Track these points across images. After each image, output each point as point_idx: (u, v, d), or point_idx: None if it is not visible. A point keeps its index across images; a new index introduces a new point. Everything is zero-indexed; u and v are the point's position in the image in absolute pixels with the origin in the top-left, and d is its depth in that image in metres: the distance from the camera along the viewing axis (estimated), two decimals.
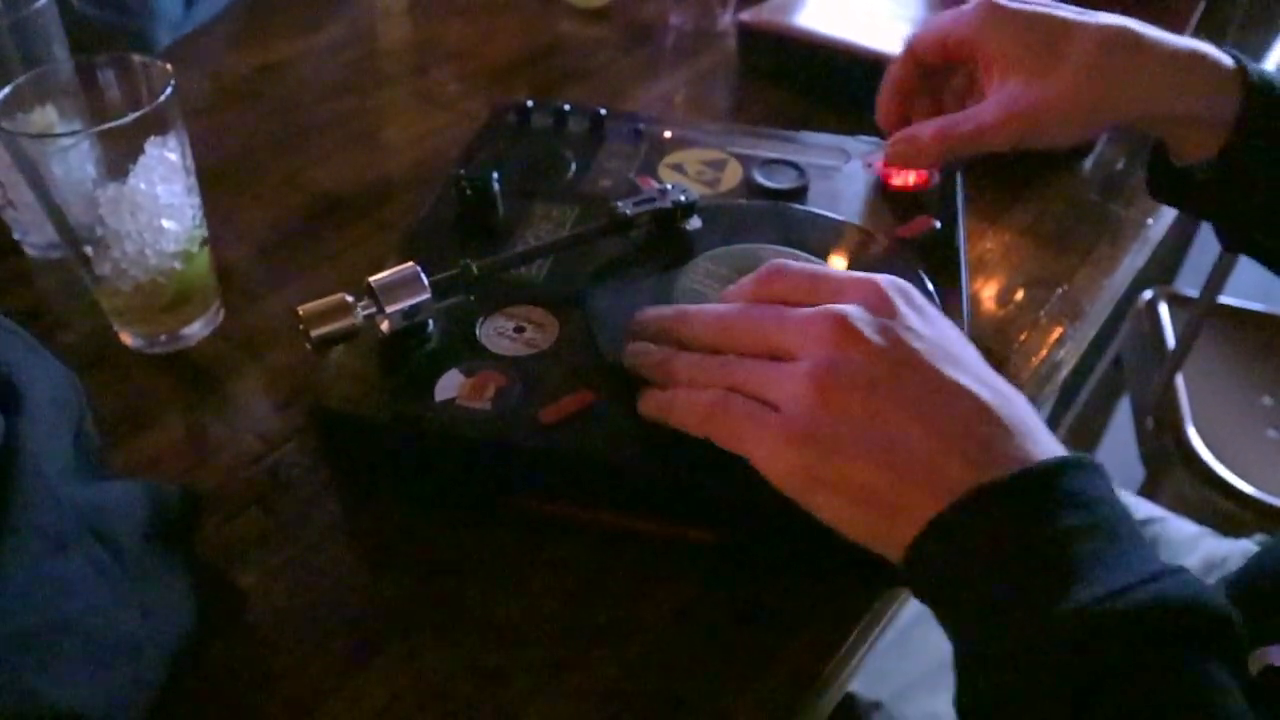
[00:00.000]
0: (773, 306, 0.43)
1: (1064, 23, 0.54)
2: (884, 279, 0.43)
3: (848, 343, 0.40)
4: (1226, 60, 0.54)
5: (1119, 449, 1.31)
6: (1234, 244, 0.62)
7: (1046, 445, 0.38)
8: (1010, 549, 0.35)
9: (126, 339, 0.58)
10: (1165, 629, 0.32)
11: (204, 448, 0.53)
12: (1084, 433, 1.44)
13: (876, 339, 0.40)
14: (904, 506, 0.37)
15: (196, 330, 0.59)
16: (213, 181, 0.57)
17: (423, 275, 0.47)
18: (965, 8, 0.57)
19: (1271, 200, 0.56)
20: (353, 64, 0.89)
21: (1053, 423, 1.59)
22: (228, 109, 0.82)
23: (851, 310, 0.41)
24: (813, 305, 0.42)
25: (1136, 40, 0.54)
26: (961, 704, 0.36)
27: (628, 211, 0.53)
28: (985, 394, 0.39)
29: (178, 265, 0.56)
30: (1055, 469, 0.36)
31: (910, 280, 0.44)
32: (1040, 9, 0.55)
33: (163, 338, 0.58)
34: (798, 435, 0.38)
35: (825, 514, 0.39)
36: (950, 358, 0.40)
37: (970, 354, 0.42)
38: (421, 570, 0.47)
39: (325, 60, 0.89)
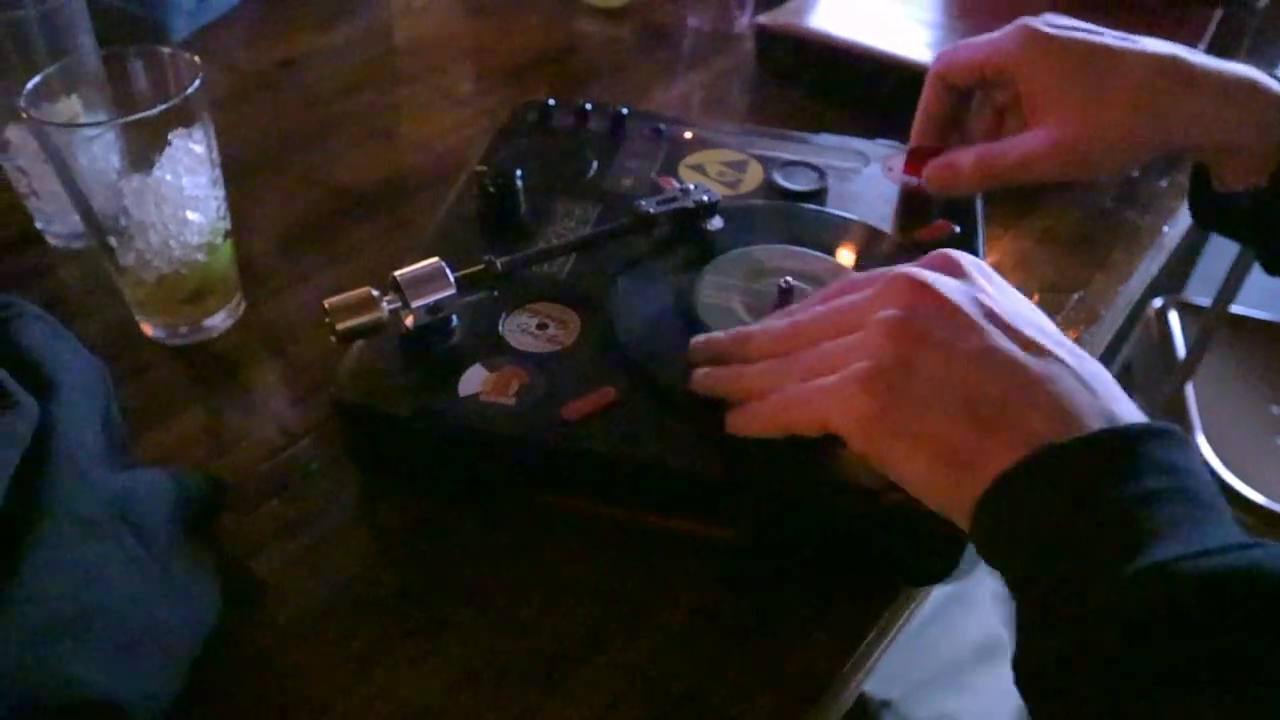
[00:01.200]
0: (839, 299, 0.43)
1: (1110, 51, 0.54)
2: (955, 252, 0.42)
3: (923, 296, 0.39)
4: (1276, 86, 0.54)
5: None
6: (1274, 265, 0.61)
7: (1130, 412, 0.37)
8: (1087, 506, 0.33)
9: (148, 330, 0.59)
10: (1251, 597, 0.30)
11: (224, 439, 0.53)
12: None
13: (953, 294, 0.39)
14: (980, 460, 0.35)
15: (218, 322, 0.59)
16: (232, 174, 0.58)
17: (448, 270, 0.47)
18: (1002, 34, 0.56)
19: None
20: (371, 60, 0.90)
21: None
22: (246, 102, 0.82)
23: (923, 271, 0.40)
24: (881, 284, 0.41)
25: (1188, 70, 0.54)
26: (1023, 668, 0.34)
27: (651, 210, 0.54)
28: (1067, 355, 0.38)
29: (201, 257, 0.56)
30: (1140, 433, 0.35)
31: None
32: (1083, 36, 0.55)
33: (184, 329, 0.58)
34: (873, 383, 0.37)
35: (898, 467, 0.38)
36: (1028, 320, 0.39)
37: (1048, 322, 0.41)
38: (441, 564, 0.47)
39: (344, 56, 0.90)
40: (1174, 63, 0.53)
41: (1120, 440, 0.35)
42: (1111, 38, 0.55)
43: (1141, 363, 1.30)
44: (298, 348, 0.59)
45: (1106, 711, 0.31)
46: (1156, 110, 0.53)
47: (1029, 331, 0.38)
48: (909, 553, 0.45)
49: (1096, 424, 0.35)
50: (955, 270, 0.41)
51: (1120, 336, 1.41)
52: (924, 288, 0.39)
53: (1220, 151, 0.56)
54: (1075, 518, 0.34)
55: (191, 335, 0.58)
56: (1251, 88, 0.53)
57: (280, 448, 0.53)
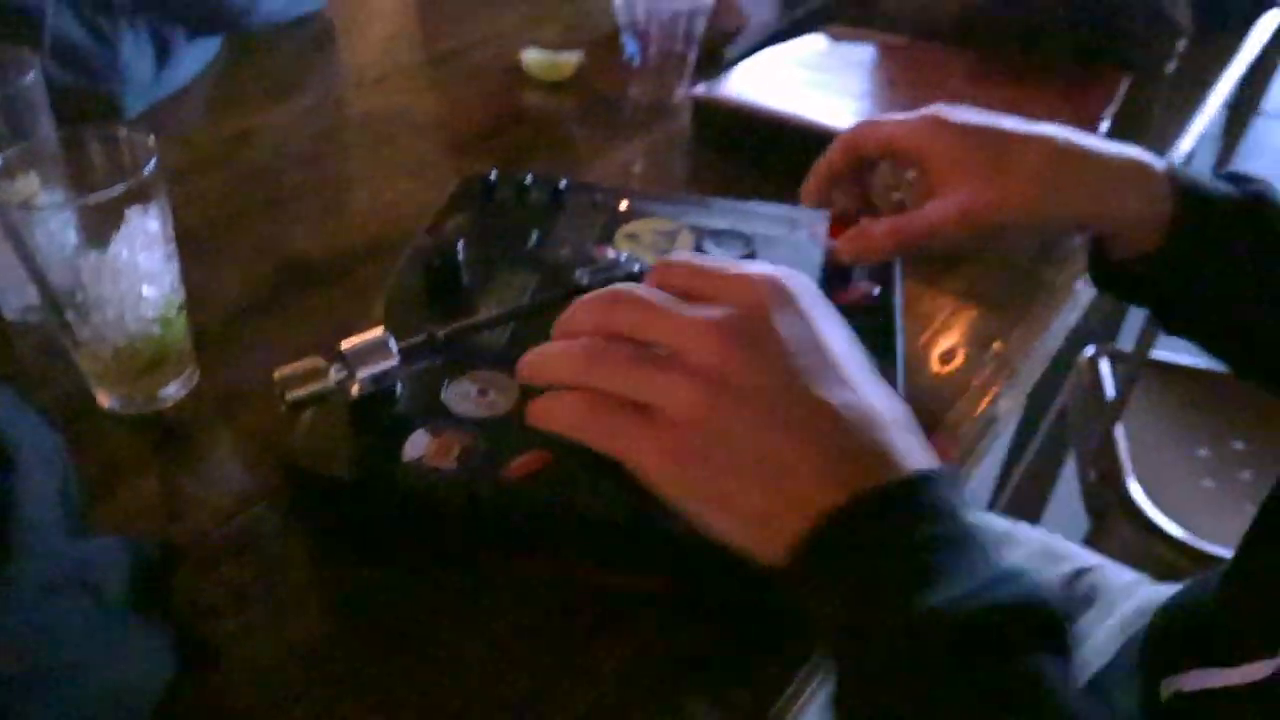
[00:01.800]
0: (660, 295, 0.43)
1: (1008, 135, 0.59)
2: (770, 280, 0.43)
3: (734, 357, 0.40)
4: (1159, 165, 0.59)
5: (1068, 500, 1.35)
6: (1172, 329, 0.66)
7: (918, 454, 0.40)
8: (869, 559, 0.38)
9: (103, 400, 0.61)
10: (1000, 629, 0.36)
11: (178, 505, 0.55)
12: (1034, 485, 1.48)
13: (758, 350, 0.41)
14: (780, 522, 0.39)
15: (172, 392, 0.61)
16: (186, 246, 0.60)
17: (392, 341, 0.50)
18: (913, 117, 0.61)
19: (1202, 293, 0.60)
20: (323, 133, 0.93)
21: (1003, 476, 1.64)
22: (200, 175, 0.85)
23: (734, 321, 0.41)
24: (699, 300, 0.43)
25: (1081, 152, 0.58)
26: (834, 702, 0.39)
27: (584, 280, 0.57)
28: (864, 405, 0.41)
29: (156, 330, 0.58)
30: (921, 481, 0.39)
31: None
32: (985, 123, 0.59)
33: (139, 399, 0.60)
34: (675, 446, 0.40)
35: (712, 526, 0.41)
36: (825, 372, 0.41)
37: (852, 364, 0.43)
38: (390, 624, 0.49)
39: (296, 129, 0.93)
40: (1068, 145, 0.58)
41: (901, 489, 0.39)
42: (1010, 123, 0.60)
43: (1075, 409, 1.35)
44: (250, 415, 0.61)
45: None
46: (1051, 190, 0.57)
47: (822, 390, 0.40)
48: None
49: (885, 475, 0.39)
50: (781, 300, 0.42)
51: (1052, 386, 1.47)
52: (735, 344, 0.40)
53: (1112, 225, 0.60)
54: (859, 572, 0.38)
55: (147, 405, 0.60)
56: (1138, 167, 0.58)
57: (234, 513, 0.55)
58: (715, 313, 0.41)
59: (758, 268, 0.44)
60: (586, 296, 0.45)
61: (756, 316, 0.41)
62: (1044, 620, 0.37)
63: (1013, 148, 0.57)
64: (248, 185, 0.84)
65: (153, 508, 0.55)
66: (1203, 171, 0.60)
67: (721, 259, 0.46)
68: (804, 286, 0.44)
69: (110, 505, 0.55)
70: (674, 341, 0.41)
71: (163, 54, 0.93)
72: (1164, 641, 0.53)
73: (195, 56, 0.98)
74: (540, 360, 0.44)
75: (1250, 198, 0.59)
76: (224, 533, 0.54)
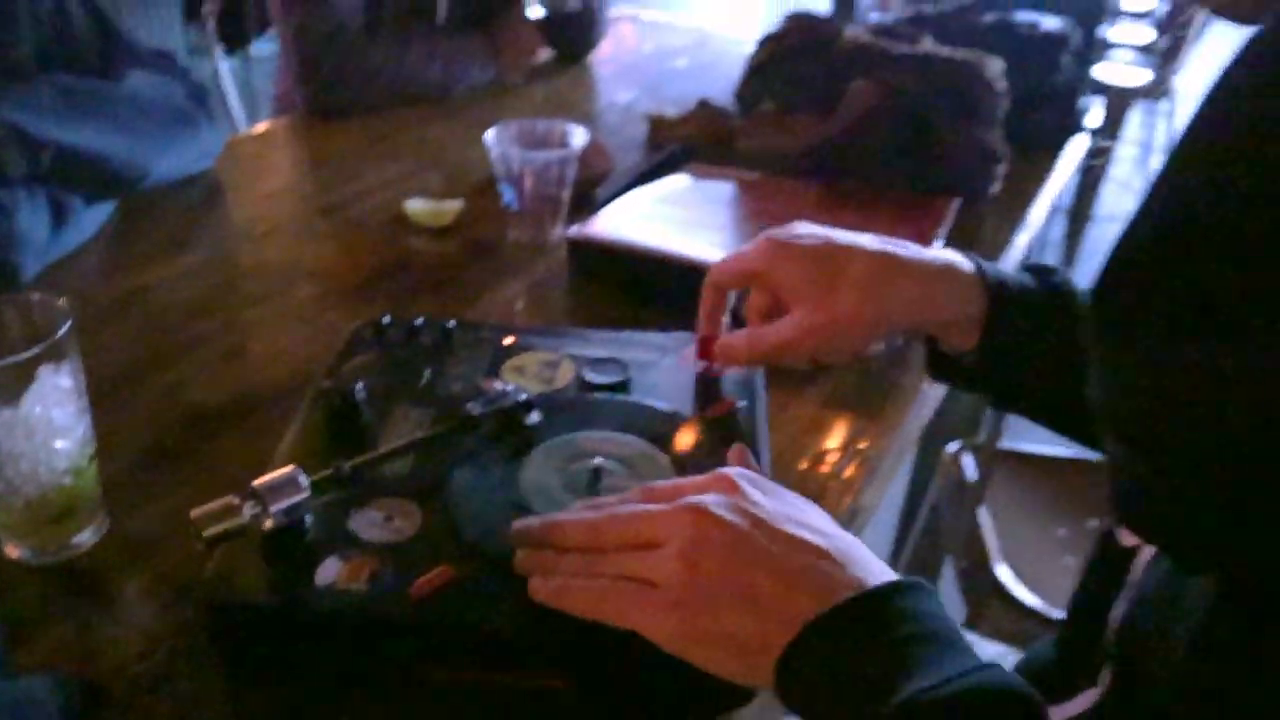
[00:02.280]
0: (639, 506, 0.53)
1: (837, 249, 0.67)
2: (732, 471, 0.53)
3: (706, 524, 0.49)
4: (969, 266, 0.68)
5: (950, 592, 1.43)
6: (1002, 408, 0.75)
7: (879, 574, 0.48)
8: (851, 658, 0.44)
9: (13, 551, 0.63)
10: (978, 711, 0.41)
11: (94, 648, 0.58)
12: (919, 578, 1.56)
13: (729, 516, 0.49)
14: (767, 642, 0.46)
15: (84, 539, 0.64)
16: (90, 397, 0.63)
17: (302, 476, 0.55)
18: (754, 245, 0.69)
19: (1022, 377, 0.69)
20: (218, 285, 0.97)
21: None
22: (99, 330, 0.88)
23: (706, 498, 0.50)
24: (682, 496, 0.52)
25: (899, 260, 0.67)
26: None
27: (476, 411, 0.63)
28: (822, 541, 0.49)
29: (68, 480, 0.61)
30: (887, 591, 0.46)
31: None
32: (816, 241, 0.67)
33: (53, 548, 0.63)
34: (674, 603, 0.48)
35: (706, 664, 0.47)
36: (791, 519, 0.50)
37: (810, 513, 0.52)
38: None
39: (190, 282, 0.97)
40: (889, 254, 0.67)
41: (868, 600, 0.46)
42: (838, 235, 0.68)
43: (945, 502, 1.45)
44: (160, 558, 0.64)
45: None
46: (878, 294, 0.65)
47: (792, 530, 0.49)
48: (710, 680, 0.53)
49: (848, 592, 0.46)
50: (730, 489, 0.52)
51: (923, 482, 1.56)
52: (706, 515, 0.50)
53: (936, 324, 0.69)
54: (844, 670, 0.44)
55: (59, 554, 0.63)
56: (950, 270, 0.67)
57: (149, 651, 0.57)
58: (694, 497, 0.51)
59: (713, 473, 0.54)
60: (568, 523, 0.54)
61: (726, 488, 0.51)
62: (1021, 705, 0.42)
63: (840, 261, 0.66)
64: (147, 338, 0.87)
65: (69, 651, 0.57)
66: (1005, 269, 0.69)
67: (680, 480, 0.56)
68: (755, 474, 0.54)
69: (27, 650, 0.57)
70: (660, 531, 0.50)
71: (59, 218, 0.96)
72: None
73: (90, 218, 1.02)
74: (548, 563, 0.53)
75: (1048, 289, 0.68)
76: (139, 671, 0.56)
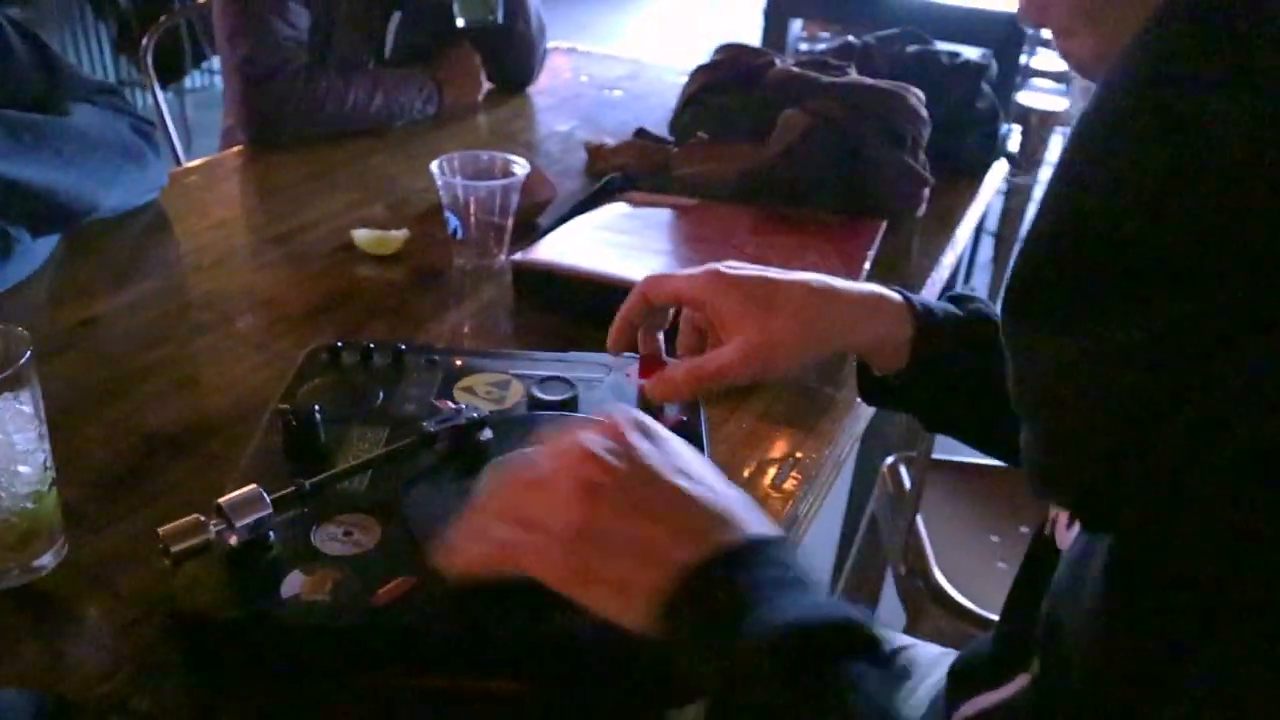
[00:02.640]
0: (536, 466, 0.56)
1: (774, 284, 0.71)
2: (621, 414, 0.56)
3: (592, 467, 0.53)
4: (897, 297, 0.73)
5: (891, 600, 1.48)
6: (931, 428, 0.80)
7: (755, 526, 0.52)
8: (720, 598, 0.48)
9: None
10: (817, 634, 0.46)
11: (61, 668, 0.59)
12: (862, 587, 1.61)
13: (615, 461, 0.53)
14: (648, 586, 0.49)
15: (45, 563, 0.65)
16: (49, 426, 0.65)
17: (264, 494, 0.57)
18: (697, 274, 0.72)
19: (947, 398, 0.74)
20: (168, 315, 0.99)
21: (833, 580, 1.77)
22: (51, 360, 0.89)
23: (593, 439, 0.54)
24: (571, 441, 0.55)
25: (832, 290, 0.72)
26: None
27: (431, 429, 0.65)
28: (704, 494, 0.53)
29: (30, 505, 0.63)
30: (756, 542, 0.50)
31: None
32: (754, 275, 0.72)
33: (15, 571, 0.64)
34: (563, 546, 0.51)
35: (593, 604, 0.51)
36: (677, 470, 0.54)
37: (696, 466, 0.55)
38: None
39: (141, 313, 0.99)
40: (821, 285, 0.71)
41: (741, 549, 0.50)
42: (774, 273, 0.72)
43: (883, 513, 1.50)
44: (120, 581, 0.66)
45: None
46: (812, 321, 0.70)
47: (676, 480, 0.53)
48: (666, 671, 0.56)
49: (725, 541, 0.50)
50: (617, 435, 0.55)
51: (863, 495, 1.61)
52: (591, 458, 0.53)
53: (866, 349, 0.74)
54: (710, 611, 0.48)
55: (22, 577, 0.64)
56: (879, 299, 0.72)
57: (113, 671, 0.59)
58: (581, 438, 0.54)
59: (603, 416, 0.57)
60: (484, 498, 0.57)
61: (614, 435, 0.55)
62: (861, 635, 0.47)
63: (778, 295, 0.70)
64: (99, 368, 0.89)
65: (37, 671, 0.59)
66: (930, 299, 0.74)
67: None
68: (648, 419, 0.58)
69: None
70: (549, 468, 0.53)
71: (5, 250, 0.97)
72: (956, 683, 0.64)
73: (37, 251, 1.03)
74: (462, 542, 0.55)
75: (970, 315, 0.73)
76: (104, 690, 0.58)
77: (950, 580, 1.30)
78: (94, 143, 1.07)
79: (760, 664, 0.46)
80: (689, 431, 0.72)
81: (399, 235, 1.12)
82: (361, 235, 1.12)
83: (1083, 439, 0.40)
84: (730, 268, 0.72)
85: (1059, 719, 0.48)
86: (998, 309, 0.45)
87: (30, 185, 0.98)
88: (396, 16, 1.60)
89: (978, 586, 1.30)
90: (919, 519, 1.39)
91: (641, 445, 0.55)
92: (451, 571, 0.54)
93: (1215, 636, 0.36)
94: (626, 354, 0.80)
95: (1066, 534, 0.56)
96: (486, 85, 1.76)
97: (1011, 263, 0.44)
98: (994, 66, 1.51)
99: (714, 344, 0.73)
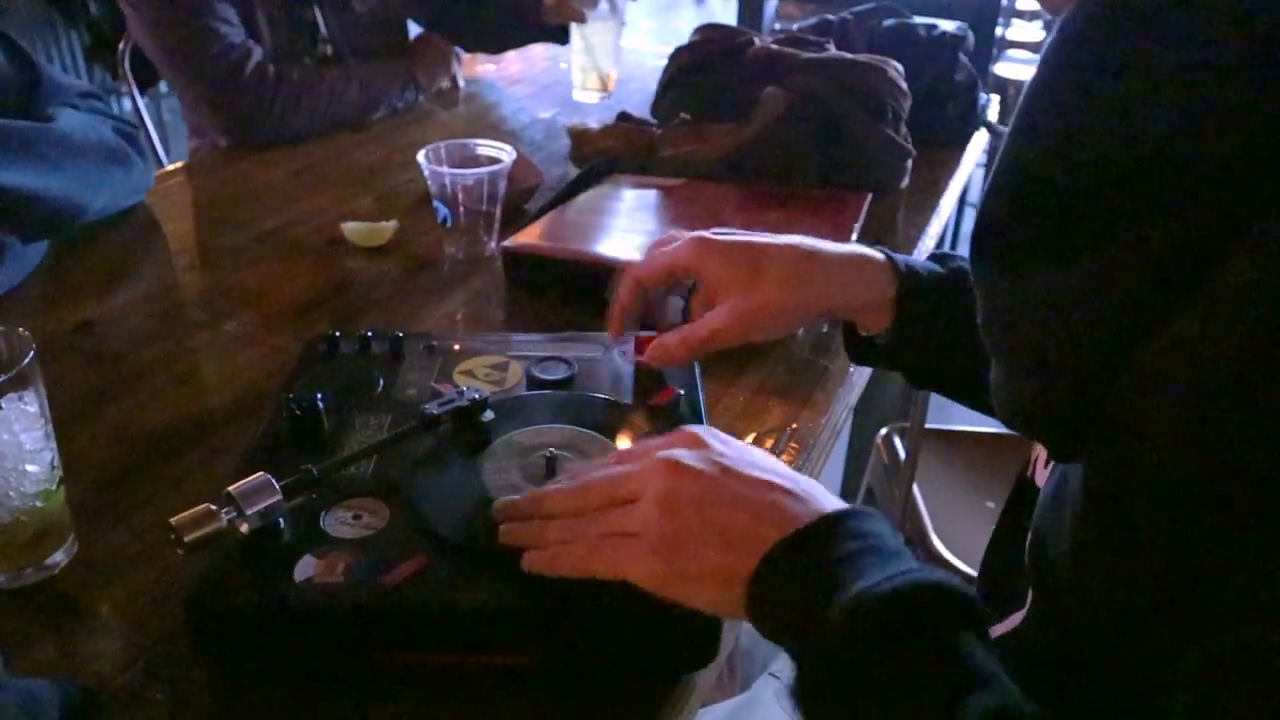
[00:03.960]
0: (614, 468, 0.58)
1: (759, 246, 0.73)
2: (694, 427, 0.58)
3: (677, 474, 0.54)
4: (880, 256, 0.74)
5: None
6: (917, 384, 0.81)
7: (832, 505, 0.53)
8: (806, 573, 0.49)
9: None
10: (915, 605, 0.46)
11: (79, 661, 0.60)
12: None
13: (698, 464, 0.55)
14: (738, 572, 0.51)
15: (56, 560, 0.66)
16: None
17: (274, 481, 0.58)
18: (683, 244, 0.74)
19: (932, 354, 0.75)
20: (163, 314, 0.99)
21: None
22: (49, 364, 0.88)
23: (675, 451, 0.56)
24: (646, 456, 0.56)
25: (815, 252, 0.73)
26: (795, 694, 0.48)
27: (434, 412, 0.66)
28: (783, 480, 0.54)
29: (39, 504, 0.63)
30: (839, 515, 0.51)
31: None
32: (739, 239, 0.74)
33: (29, 570, 0.64)
34: (653, 548, 0.52)
35: (688, 599, 0.52)
36: (753, 464, 0.55)
37: (769, 460, 0.57)
38: None
39: (135, 313, 0.99)
40: (806, 248, 0.73)
41: (823, 523, 0.51)
42: (759, 236, 0.74)
43: (879, 483, 1.51)
44: (131, 575, 0.66)
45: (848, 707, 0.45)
46: (796, 285, 0.71)
47: (754, 473, 0.55)
48: (677, 639, 0.57)
49: (808, 519, 0.51)
50: (696, 443, 0.57)
51: (858, 466, 1.63)
52: (677, 466, 0.55)
53: (851, 310, 0.75)
54: (801, 584, 0.49)
55: (34, 575, 0.65)
56: (862, 260, 0.73)
57: (133, 660, 0.60)
58: (660, 454, 0.56)
59: (677, 431, 0.59)
60: (552, 493, 0.59)
61: (691, 442, 0.57)
62: (959, 601, 0.47)
63: (764, 257, 0.71)
64: (98, 368, 0.89)
65: (52, 668, 0.59)
66: (914, 258, 0.75)
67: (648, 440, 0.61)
68: (715, 430, 0.59)
69: (12, 668, 0.59)
70: (635, 486, 0.55)
71: None
72: None
73: (28, 257, 1.03)
74: (538, 530, 0.57)
75: (952, 273, 0.74)
76: (122, 682, 0.58)
77: (948, 546, 1.32)
78: (79, 147, 1.07)
79: (856, 628, 0.46)
80: (688, 405, 0.73)
81: (389, 226, 1.13)
82: (351, 228, 1.13)
83: (1047, 370, 0.42)
84: (715, 233, 0.73)
85: (1057, 645, 0.50)
86: None
87: (18, 191, 0.98)
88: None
89: (975, 552, 1.31)
90: (915, 488, 1.41)
91: (719, 447, 0.57)
92: (543, 572, 0.55)
93: (1185, 556, 0.38)
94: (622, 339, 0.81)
95: (1044, 472, 0.57)
96: (460, 68, 1.76)
97: (979, 207, 0.45)
98: (970, 37, 1.52)
99: (707, 309, 0.74)
